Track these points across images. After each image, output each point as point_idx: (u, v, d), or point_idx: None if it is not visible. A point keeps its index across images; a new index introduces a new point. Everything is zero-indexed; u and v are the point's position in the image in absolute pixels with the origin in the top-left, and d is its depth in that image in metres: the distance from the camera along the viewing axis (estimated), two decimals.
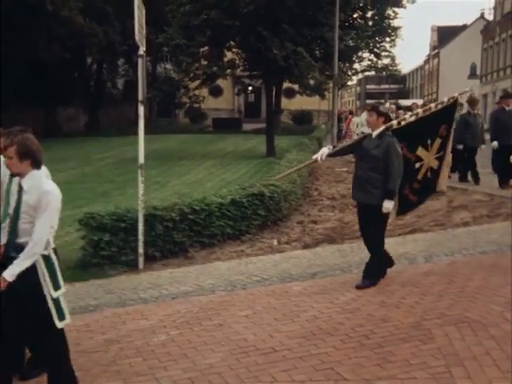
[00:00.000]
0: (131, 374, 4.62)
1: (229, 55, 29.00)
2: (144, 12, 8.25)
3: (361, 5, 33.36)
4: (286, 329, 5.31)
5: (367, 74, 49.09)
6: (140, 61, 8.04)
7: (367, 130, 18.48)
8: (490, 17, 56.29)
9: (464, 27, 67.29)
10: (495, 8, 51.05)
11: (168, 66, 43.71)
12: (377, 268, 6.48)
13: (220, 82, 35.19)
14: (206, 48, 26.83)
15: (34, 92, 35.18)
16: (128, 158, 21.56)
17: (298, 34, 24.27)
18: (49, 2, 29.73)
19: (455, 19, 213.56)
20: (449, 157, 7.09)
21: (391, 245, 8.14)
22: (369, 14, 37.59)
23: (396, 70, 41.35)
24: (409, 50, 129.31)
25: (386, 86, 77.68)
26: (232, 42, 27.09)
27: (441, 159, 6.94)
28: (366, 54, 39.86)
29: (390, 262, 6.69)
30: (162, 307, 6.19)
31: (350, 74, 41.86)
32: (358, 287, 6.28)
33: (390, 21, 39.64)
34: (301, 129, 39.81)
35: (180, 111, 48.41)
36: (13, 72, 30.40)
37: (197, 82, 28.64)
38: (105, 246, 7.77)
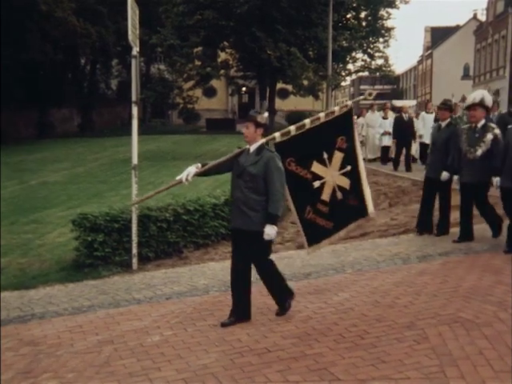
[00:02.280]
0: (125, 374, 4.61)
1: (222, 56, 29.05)
2: (137, 12, 8.25)
3: (354, 5, 33.41)
4: (280, 329, 5.30)
5: (361, 74, 49.15)
6: (133, 61, 8.03)
7: (380, 131, 17.61)
8: (482, 17, 56.48)
9: (457, 28, 67.47)
10: (488, 9, 51.20)
11: (162, 67, 43.67)
12: (284, 300, 5.63)
13: (214, 82, 35.28)
14: (200, 48, 26.83)
15: (27, 93, 35.08)
16: (121, 158, 21.53)
17: (292, 35, 24.34)
18: (42, 3, 29.66)
19: (448, 20, 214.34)
20: (364, 174, 6.31)
21: (384, 245, 8.16)
22: (362, 15, 37.66)
23: (389, 71, 41.41)
24: (402, 50, 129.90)
25: (380, 87, 77.84)
26: (226, 43, 27.13)
27: (353, 177, 6.09)
28: (359, 55, 39.97)
29: (291, 294, 5.73)
30: (155, 308, 6.18)
31: (343, 74, 41.95)
32: (278, 314, 5.62)
33: (384, 21, 39.75)
34: None
35: (174, 112, 48.33)
36: (6, 73, 30.29)
37: (190, 83, 28.67)
38: (98, 247, 7.76)
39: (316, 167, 5.76)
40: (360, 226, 9.48)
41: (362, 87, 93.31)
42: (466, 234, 8.08)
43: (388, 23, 39.89)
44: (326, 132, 5.83)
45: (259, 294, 6.33)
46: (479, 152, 7.76)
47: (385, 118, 18.38)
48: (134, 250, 7.85)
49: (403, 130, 16.16)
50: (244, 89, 44.84)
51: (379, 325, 5.23)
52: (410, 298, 5.89)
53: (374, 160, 18.69)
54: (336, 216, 5.95)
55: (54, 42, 34.03)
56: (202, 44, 26.04)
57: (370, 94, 6.26)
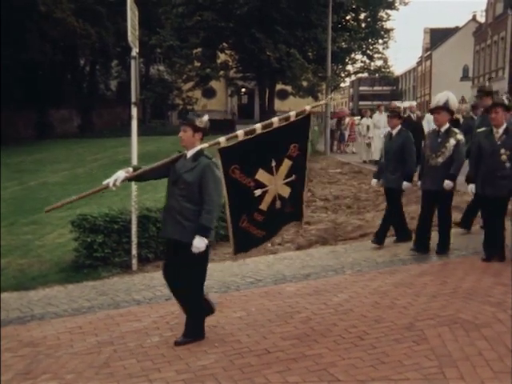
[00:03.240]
0: (124, 375, 4.61)
1: (222, 57, 29.06)
2: (137, 13, 8.25)
3: (353, 7, 33.45)
4: (280, 330, 5.31)
5: (360, 75, 49.12)
6: (133, 62, 8.03)
7: (383, 132, 16.84)
8: (481, 19, 56.51)
9: (456, 29, 67.53)
10: (487, 10, 51.23)
11: (161, 68, 43.74)
12: (198, 323, 5.24)
13: (213, 83, 35.26)
14: (200, 49, 26.85)
15: (26, 93, 35.09)
16: (121, 159, 21.51)
17: (292, 36, 24.37)
18: (41, 4, 29.67)
19: (447, 21, 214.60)
20: (307, 182, 5.99)
21: (384, 246, 8.16)
22: (362, 16, 37.67)
23: (389, 72, 41.37)
24: (401, 51, 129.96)
25: (379, 88, 77.90)
26: (225, 44, 27.15)
27: (296, 186, 5.72)
28: (358, 56, 39.91)
29: (210, 309, 5.40)
30: (155, 309, 6.18)
31: (342, 75, 41.90)
32: (177, 343, 5.13)
33: (383, 23, 39.74)
34: None
35: (173, 113, 48.37)
36: (5, 73, 30.30)
37: (190, 84, 28.69)
38: (98, 248, 7.75)
39: (261, 175, 5.33)
40: (360, 227, 9.52)
41: (361, 88, 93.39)
42: (423, 244, 7.64)
43: (387, 24, 39.86)
44: (278, 138, 5.44)
45: (257, 295, 6.34)
46: (441, 158, 7.40)
47: None
48: (134, 251, 7.84)
49: (413, 131, 16.03)
50: (243, 90, 44.88)
51: (379, 326, 5.24)
52: (410, 299, 5.89)
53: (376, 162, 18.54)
54: (269, 225, 5.57)
55: (53, 43, 34.03)
56: (201, 45, 26.07)
57: (331, 99, 6.15)
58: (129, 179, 5.16)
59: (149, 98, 30.88)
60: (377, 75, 42.67)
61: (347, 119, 26.69)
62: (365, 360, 4.55)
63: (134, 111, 7.98)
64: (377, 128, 18.89)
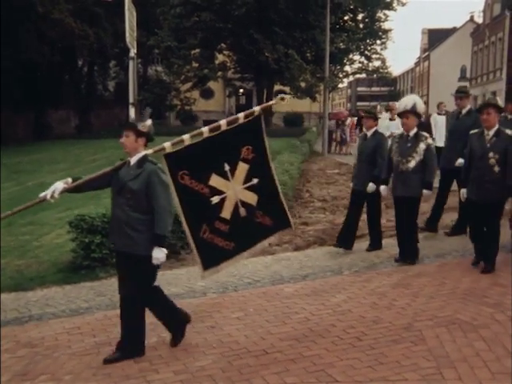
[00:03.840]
0: (122, 377, 4.60)
1: (220, 57, 29.08)
2: (135, 14, 8.26)
3: (351, 7, 33.48)
4: (278, 331, 5.31)
5: (358, 76, 49.17)
6: (131, 63, 8.05)
7: (387, 133, 16.46)
8: (479, 20, 56.61)
9: (454, 30, 67.63)
10: (484, 11, 51.32)
11: (159, 69, 43.71)
12: (138, 340, 4.97)
13: (211, 84, 35.29)
14: (198, 50, 26.87)
15: (24, 94, 35.06)
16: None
17: (290, 37, 24.40)
18: (39, 4, 29.66)
19: (445, 22, 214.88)
20: (278, 186, 5.57)
21: (383, 247, 8.16)
22: (360, 17, 37.71)
23: (387, 73, 41.43)
24: (399, 52, 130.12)
25: (377, 89, 77.99)
26: (223, 45, 27.17)
27: (265, 191, 5.33)
28: (356, 57, 39.97)
29: (186, 318, 5.28)
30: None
31: (340, 76, 41.93)
32: (107, 361, 4.89)
33: (381, 23, 39.79)
34: (292, 131, 39.83)
35: (171, 113, 48.36)
36: (4, 74, 30.29)
37: (188, 85, 28.70)
38: (96, 249, 7.74)
39: (215, 181, 5.05)
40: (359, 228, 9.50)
41: (359, 89, 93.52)
42: (411, 253, 7.33)
43: (385, 25, 39.92)
44: (228, 141, 5.16)
45: (255, 296, 6.34)
46: (412, 163, 7.18)
47: (392, 119, 17.26)
48: None
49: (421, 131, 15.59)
50: (241, 90, 44.86)
51: (376, 326, 5.24)
52: (408, 300, 5.89)
53: None
54: (238, 235, 5.21)
55: (51, 44, 33.99)
56: (199, 46, 26.10)
57: (282, 99, 5.46)
58: (68, 190, 4.90)
59: (147, 99, 30.90)
60: (375, 76, 42.77)
61: (349, 120, 26.58)
62: (363, 361, 4.55)
63: (132, 112, 7.98)
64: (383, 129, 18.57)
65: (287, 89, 30.87)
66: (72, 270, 7.81)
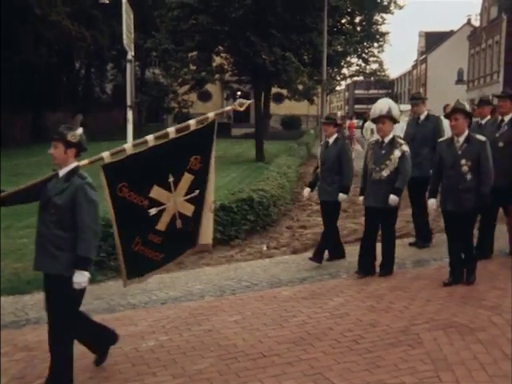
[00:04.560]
0: (120, 380, 4.60)
1: (217, 60, 29.05)
2: (132, 17, 8.26)
3: (349, 10, 33.54)
4: (275, 334, 5.31)
5: (355, 79, 49.29)
6: (128, 65, 8.05)
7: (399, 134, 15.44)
8: (476, 23, 56.76)
9: (451, 33, 67.79)
10: (481, 14, 51.45)
11: (156, 71, 43.65)
12: (65, 374, 4.44)
13: (209, 86, 35.28)
14: (195, 53, 26.86)
15: (22, 96, 35.02)
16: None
17: (287, 39, 24.38)
18: (37, 6, 29.65)
19: (442, 25, 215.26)
20: (210, 198, 5.24)
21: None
22: (357, 20, 37.78)
23: (384, 75, 41.53)
24: (397, 55, 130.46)
25: (375, 91, 78.09)
26: (221, 47, 27.15)
27: (198, 202, 5.08)
28: (354, 59, 40.07)
29: (113, 338, 4.95)
30: (151, 313, 6.17)
31: (338, 79, 42.03)
32: None
33: (378, 26, 39.90)
34: (289, 134, 39.95)
35: (169, 116, 48.33)
36: (3, 75, 30.27)
37: (185, 87, 28.68)
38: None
39: (156, 192, 4.75)
40: (355, 231, 9.52)
41: (356, 92, 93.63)
42: (367, 266, 7.07)
43: (382, 28, 40.08)
44: (176, 150, 4.81)
45: (253, 299, 6.34)
46: (385, 172, 6.83)
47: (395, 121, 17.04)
48: None
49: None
50: (239, 93, 44.84)
51: (374, 330, 5.25)
52: (405, 303, 5.90)
53: None
54: (168, 247, 4.98)
55: (48, 46, 34.00)
56: (196, 48, 26.06)
57: (240, 105, 5.13)
58: None
59: (144, 102, 30.87)
60: (372, 78, 42.88)
61: (347, 122, 26.57)
62: (360, 364, 4.56)
63: (130, 114, 7.98)
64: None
65: (285, 91, 30.90)
66: None
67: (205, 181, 5.10)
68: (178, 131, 4.83)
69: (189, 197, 4.97)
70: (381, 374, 4.36)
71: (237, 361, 4.78)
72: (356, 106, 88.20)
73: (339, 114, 11.30)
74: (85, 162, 4.59)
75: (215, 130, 5.06)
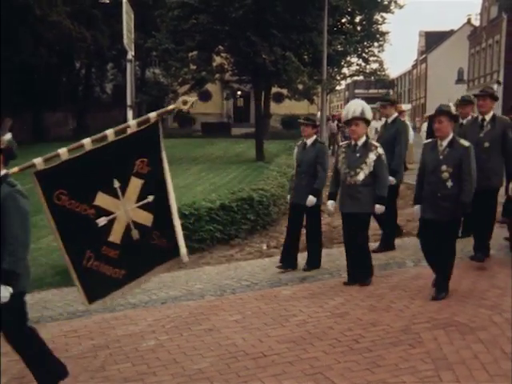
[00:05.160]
0: (120, 379, 4.60)
1: (218, 60, 29.04)
2: (132, 17, 8.27)
3: (349, 10, 33.54)
4: (276, 333, 5.30)
5: (356, 78, 49.24)
6: (129, 65, 8.05)
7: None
8: (476, 22, 56.76)
9: (451, 33, 67.77)
10: (481, 14, 51.45)
11: (157, 71, 43.63)
12: None
13: (209, 86, 35.22)
14: (195, 53, 26.84)
15: (21, 96, 35.01)
16: None
17: (287, 39, 24.36)
18: (37, 7, 29.64)
19: (442, 25, 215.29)
20: (174, 204, 4.71)
21: (381, 249, 8.16)
22: (357, 19, 37.75)
23: (384, 75, 41.47)
24: (397, 55, 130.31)
25: (375, 91, 78.05)
26: (221, 47, 27.13)
27: (160, 209, 4.62)
28: (354, 59, 39.99)
29: (63, 373, 4.48)
30: (151, 312, 6.17)
31: (338, 78, 41.95)
32: None
33: (378, 26, 39.85)
34: (290, 133, 39.86)
35: (169, 116, 48.36)
36: (0, 76, 30.25)
37: (186, 87, 28.67)
38: None
39: (101, 200, 4.43)
40: None
41: (356, 91, 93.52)
42: (364, 274, 6.72)
43: (383, 28, 40.00)
44: (118, 153, 4.49)
45: (253, 298, 6.34)
46: (360, 176, 6.51)
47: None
48: None
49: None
50: (239, 93, 44.84)
51: (374, 329, 5.24)
52: (405, 302, 5.90)
53: None
54: (130, 261, 4.61)
55: (48, 46, 33.96)
56: (196, 48, 26.05)
57: (184, 103, 4.69)
58: None
59: (144, 101, 30.88)
60: (372, 78, 42.81)
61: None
62: (361, 363, 4.55)
63: (130, 114, 7.98)
64: None
65: (285, 91, 30.90)
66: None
67: (161, 186, 4.64)
68: (116, 133, 4.51)
69: (141, 203, 4.56)
70: (381, 374, 4.35)
71: (237, 360, 4.78)
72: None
73: (318, 114, 10.41)
74: (15, 169, 4.25)
75: (160, 131, 4.65)
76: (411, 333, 5.08)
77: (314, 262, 7.46)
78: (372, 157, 6.54)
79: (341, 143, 7.36)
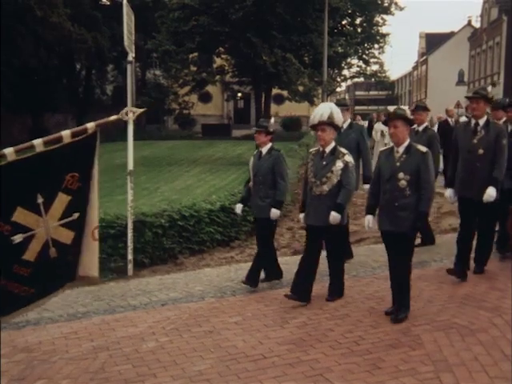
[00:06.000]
0: (120, 381, 4.60)
1: (218, 61, 29.11)
2: (133, 18, 8.27)
3: (350, 11, 33.60)
4: (276, 335, 5.30)
5: (356, 80, 49.34)
6: (129, 67, 8.06)
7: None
8: (477, 24, 56.78)
9: (451, 34, 67.79)
10: (482, 15, 51.46)
11: (157, 72, 43.76)
12: None
13: (209, 88, 35.30)
14: (196, 54, 26.90)
15: (21, 98, 35.04)
16: (117, 164, 21.49)
17: (288, 41, 24.42)
18: (37, 8, 29.68)
19: (443, 26, 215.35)
20: (93, 222, 4.48)
21: (380, 251, 8.16)
22: (358, 21, 37.84)
23: (385, 77, 41.62)
24: (397, 56, 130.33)
25: (375, 93, 78.13)
26: (221, 49, 27.19)
27: (79, 227, 4.37)
28: (354, 61, 40.18)
29: None
30: (151, 314, 6.17)
31: (338, 80, 42.12)
32: None
33: (379, 27, 39.97)
34: (290, 135, 39.86)
35: (169, 117, 48.39)
36: (2, 79, 30.31)
37: (186, 88, 28.73)
38: None
39: (20, 216, 4.07)
40: (356, 233, 9.52)
41: (357, 93, 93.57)
42: (338, 288, 6.35)
43: (383, 29, 40.16)
44: (45, 166, 4.13)
45: (253, 300, 6.33)
46: (327, 186, 6.01)
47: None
48: (130, 256, 7.83)
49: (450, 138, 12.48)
50: (239, 94, 44.92)
51: (374, 331, 5.24)
52: None
53: None
54: (41, 280, 4.31)
55: (49, 47, 34.03)
56: (197, 50, 26.10)
57: (127, 113, 4.28)
58: None
59: (145, 103, 30.93)
60: (373, 80, 42.93)
61: None
62: (361, 365, 4.55)
63: (130, 116, 7.98)
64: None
65: (285, 92, 30.95)
66: None
67: (85, 203, 4.33)
68: (46, 143, 4.18)
69: (65, 221, 4.24)
70: (381, 376, 4.35)
71: (237, 362, 4.78)
72: (356, 108, 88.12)
73: (272, 120, 9.48)
74: None
75: (97, 144, 4.31)
76: (411, 335, 5.08)
77: (273, 275, 7.05)
78: (339, 165, 6.01)
79: (310, 149, 6.64)
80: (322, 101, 29.84)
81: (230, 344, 5.17)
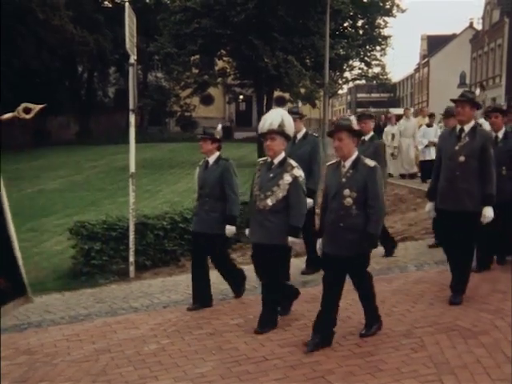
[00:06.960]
0: (122, 383, 4.60)
1: (220, 64, 29.14)
2: (135, 21, 8.28)
3: (351, 14, 33.61)
4: (278, 337, 5.30)
5: (358, 82, 49.30)
6: (131, 69, 8.07)
7: (424, 141, 13.72)
8: (478, 26, 56.78)
9: (453, 36, 67.79)
10: (484, 18, 51.46)
11: (159, 75, 43.80)
12: None
13: (211, 90, 35.33)
14: (197, 57, 26.94)
15: (23, 100, 35.04)
16: (119, 166, 21.52)
17: (289, 43, 24.45)
18: (39, 11, 29.75)
19: (444, 28, 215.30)
20: (12, 232, 4.21)
21: (381, 253, 8.16)
22: (359, 23, 37.84)
23: (386, 79, 41.57)
24: (399, 58, 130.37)
25: (377, 95, 78.15)
26: (223, 51, 27.23)
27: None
28: (356, 63, 40.10)
29: None
30: (152, 316, 6.17)
31: (340, 82, 42.08)
32: None
33: (381, 30, 39.94)
34: None
35: (171, 120, 48.40)
36: (2, 80, 30.32)
37: (188, 91, 28.75)
38: (95, 255, 7.76)
39: None
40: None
41: (358, 95, 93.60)
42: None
43: (385, 31, 40.12)
44: None
45: (255, 302, 6.32)
46: (271, 200, 5.40)
47: (429, 125, 14.91)
48: (131, 259, 7.84)
49: None
50: (241, 96, 44.94)
51: (376, 333, 5.23)
52: (407, 306, 5.89)
53: (408, 176, 15.95)
54: None
55: (51, 50, 34.08)
56: (199, 52, 26.16)
57: (26, 111, 3.98)
58: None
59: (147, 105, 30.97)
60: (374, 82, 42.90)
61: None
62: (362, 367, 4.54)
63: (132, 118, 8.00)
64: (404, 137, 16.10)
65: (287, 95, 30.97)
66: (72, 276, 7.81)
67: None
68: None
69: None
70: (383, 378, 4.34)
71: (239, 364, 4.77)
72: (358, 110, 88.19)
73: (220, 126, 8.36)
74: None
75: None
76: (413, 337, 5.07)
77: (237, 288, 6.70)
78: (287, 179, 5.40)
79: (259, 159, 6.07)
80: (324, 103, 29.89)
81: (231, 346, 5.16)
